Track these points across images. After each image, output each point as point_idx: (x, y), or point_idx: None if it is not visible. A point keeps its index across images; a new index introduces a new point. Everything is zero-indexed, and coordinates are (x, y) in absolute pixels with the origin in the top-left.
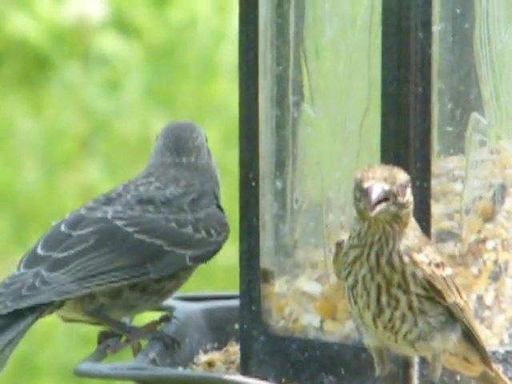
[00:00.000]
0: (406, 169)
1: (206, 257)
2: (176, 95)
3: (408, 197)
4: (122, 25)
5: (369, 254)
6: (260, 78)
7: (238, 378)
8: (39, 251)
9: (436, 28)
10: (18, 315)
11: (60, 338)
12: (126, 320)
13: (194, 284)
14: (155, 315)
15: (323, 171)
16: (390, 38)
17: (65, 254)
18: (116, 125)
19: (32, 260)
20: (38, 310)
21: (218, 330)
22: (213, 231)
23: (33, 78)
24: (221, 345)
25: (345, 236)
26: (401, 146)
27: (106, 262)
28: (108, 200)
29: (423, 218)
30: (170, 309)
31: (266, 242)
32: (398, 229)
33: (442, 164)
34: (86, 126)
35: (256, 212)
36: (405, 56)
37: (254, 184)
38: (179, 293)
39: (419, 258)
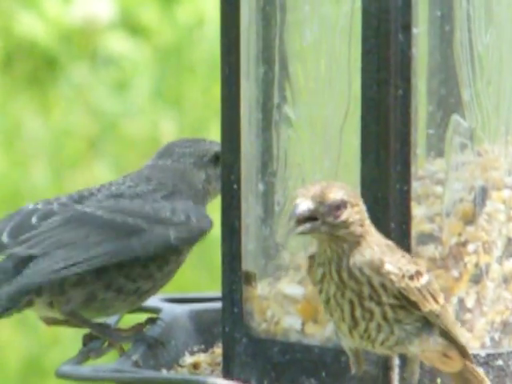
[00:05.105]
0: (387, 171)
1: (192, 240)
2: (184, 95)
3: (345, 218)
4: (129, 25)
5: (330, 271)
6: (242, 80)
7: (218, 380)
8: (4, 238)
9: (416, 30)
10: None
11: (68, 340)
12: (111, 321)
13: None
14: (142, 317)
15: (304, 173)
16: (369, 41)
17: (31, 232)
18: (124, 125)
19: None
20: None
21: (205, 331)
22: (193, 218)
23: (41, 78)
24: (208, 346)
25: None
26: (381, 149)
27: (81, 239)
28: (80, 198)
29: (403, 220)
30: (157, 310)
31: (249, 244)
32: (347, 247)
33: (423, 167)
34: (93, 127)
35: (238, 214)
36: (384, 59)
37: (235, 186)
38: (167, 294)
39: (386, 268)
